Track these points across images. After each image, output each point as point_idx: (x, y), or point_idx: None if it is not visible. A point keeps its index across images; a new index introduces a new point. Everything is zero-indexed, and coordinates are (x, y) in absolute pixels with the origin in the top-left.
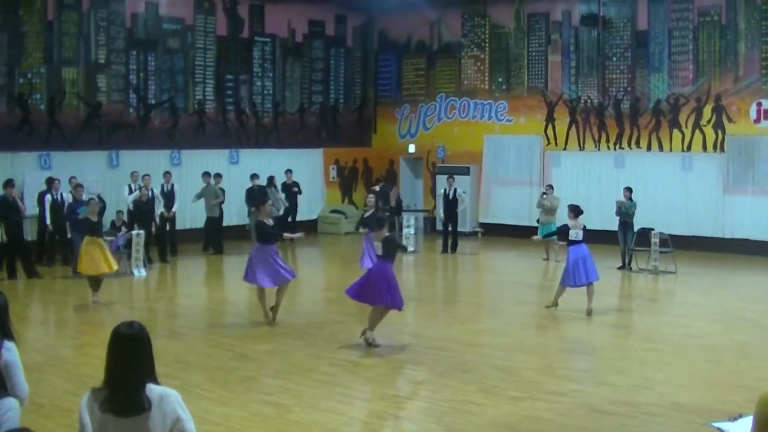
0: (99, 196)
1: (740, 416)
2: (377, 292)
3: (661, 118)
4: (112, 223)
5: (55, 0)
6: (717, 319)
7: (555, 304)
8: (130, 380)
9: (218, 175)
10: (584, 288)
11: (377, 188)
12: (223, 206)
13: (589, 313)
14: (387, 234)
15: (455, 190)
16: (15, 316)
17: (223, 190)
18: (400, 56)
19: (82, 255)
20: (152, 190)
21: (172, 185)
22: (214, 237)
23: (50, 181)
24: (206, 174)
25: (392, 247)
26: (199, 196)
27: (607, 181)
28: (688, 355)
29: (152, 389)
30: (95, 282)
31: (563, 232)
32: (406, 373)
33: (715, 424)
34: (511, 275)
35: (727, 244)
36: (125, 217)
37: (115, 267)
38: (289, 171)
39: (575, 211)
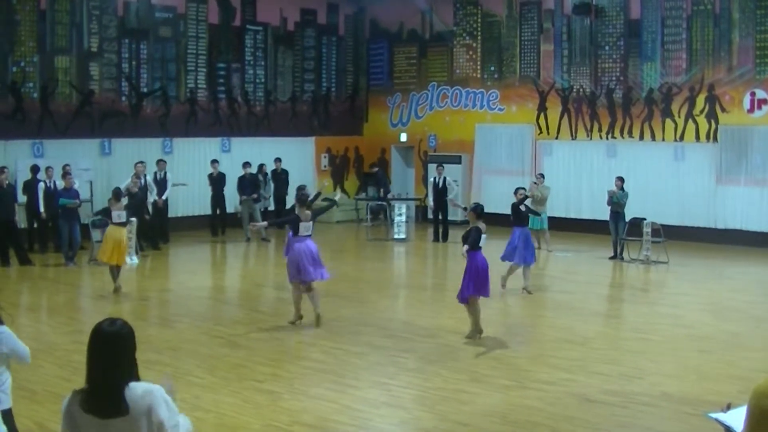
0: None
1: (729, 406)
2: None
3: (653, 108)
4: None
5: None
6: (708, 310)
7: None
8: (108, 380)
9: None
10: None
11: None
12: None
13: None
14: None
15: (445, 178)
16: (8, 303)
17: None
18: (392, 45)
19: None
20: (145, 177)
21: (165, 173)
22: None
23: (35, 169)
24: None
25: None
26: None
27: (599, 171)
28: (679, 345)
29: (133, 388)
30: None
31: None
32: (397, 361)
33: (712, 415)
34: (502, 264)
35: (719, 234)
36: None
37: (122, 261)
38: (278, 159)
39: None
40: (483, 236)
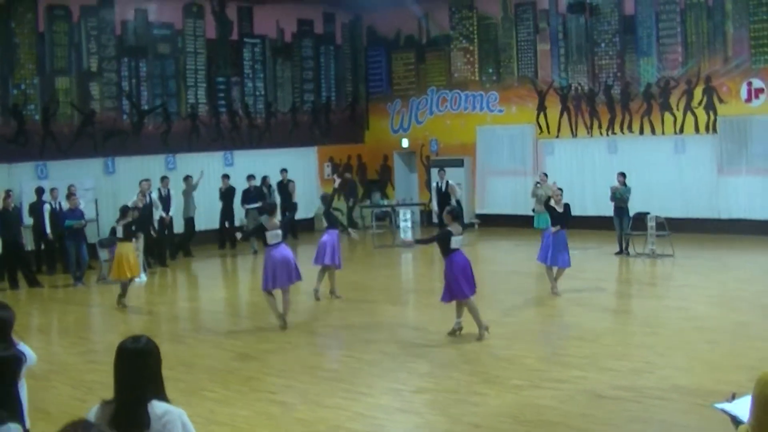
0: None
1: (734, 396)
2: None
3: (652, 102)
4: (112, 229)
5: (46, 11)
6: (715, 301)
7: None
8: (132, 396)
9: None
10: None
11: (347, 175)
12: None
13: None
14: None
15: (447, 182)
16: (19, 325)
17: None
18: (389, 51)
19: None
20: (150, 194)
21: (168, 190)
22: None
23: (40, 191)
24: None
25: None
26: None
27: (601, 167)
28: (687, 337)
29: (156, 406)
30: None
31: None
32: (408, 366)
33: (717, 405)
34: (509, 265)
35: (723, 225)
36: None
37: (136, 273)
38: (284, 170)
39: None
40: (456, 238)
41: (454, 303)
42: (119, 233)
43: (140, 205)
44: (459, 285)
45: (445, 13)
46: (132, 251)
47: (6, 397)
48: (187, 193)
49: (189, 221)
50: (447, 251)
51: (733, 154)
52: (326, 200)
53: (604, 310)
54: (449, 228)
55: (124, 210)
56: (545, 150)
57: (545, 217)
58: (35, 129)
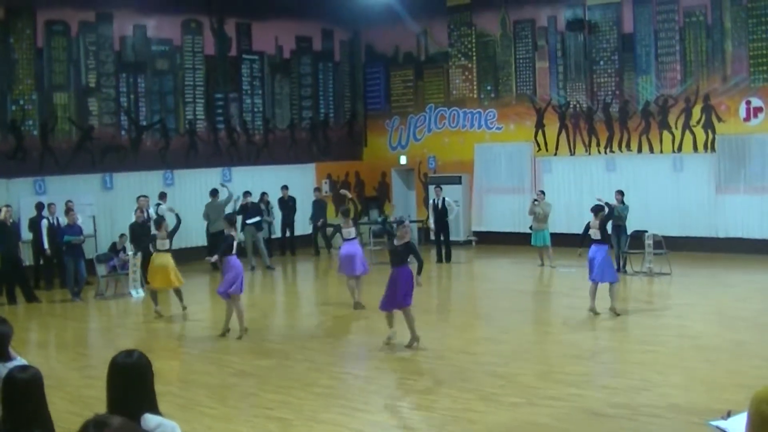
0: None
1: (729, 413)
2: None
3: (650, 120)
4: (113, 245)
5: (45, 26)
6: (713, 319)
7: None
8: (123, 411)
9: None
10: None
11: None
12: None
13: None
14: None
15: (444, 199)
16: (16, 340)
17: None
18: (388, 68)
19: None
20: (148, 210)
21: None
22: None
23: (40, 206)
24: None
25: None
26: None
27: (599, 185)
28: (685, 355)
29: (148, 420)
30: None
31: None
32: (405, 383)
33: (712, 423)
34: (506, 283)
35: (720, 243)
36: (126, 241)
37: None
38: (285, 187)
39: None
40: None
41: (403, 317)
42: (165, 246)
43: (169, 213)
44: (405, 295)
45: (443, 30)
46: (172, 262)
47: (37, 417)
48: (213, 208)
49: (214, 235)
50: (404, 262)
51: (732, 173)
52: (346, 213)
53: (601, 327)
54: (410, 241)
55: (159, 221)
56: (543, 168)
57: (542, 235)
58: (34, 144)
